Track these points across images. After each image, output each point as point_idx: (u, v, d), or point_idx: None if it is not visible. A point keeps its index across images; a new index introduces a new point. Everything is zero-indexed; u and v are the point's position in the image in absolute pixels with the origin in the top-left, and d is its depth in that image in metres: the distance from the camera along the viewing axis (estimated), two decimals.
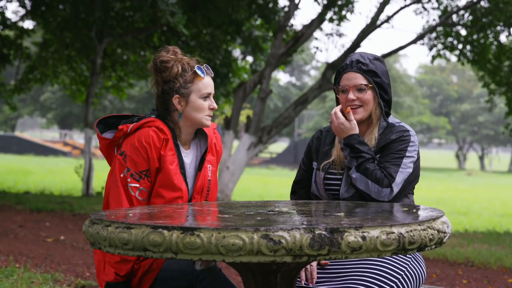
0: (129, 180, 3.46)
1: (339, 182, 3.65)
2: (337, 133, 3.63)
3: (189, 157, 3.63)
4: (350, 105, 3.64)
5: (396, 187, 3.52)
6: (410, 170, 3.58)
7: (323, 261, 3.50)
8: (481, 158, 61.00)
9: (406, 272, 3.42)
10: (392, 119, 3.74)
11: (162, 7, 12.37)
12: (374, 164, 3.54)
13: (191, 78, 3.56)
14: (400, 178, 3.54)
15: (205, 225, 2.50)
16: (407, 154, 3.59)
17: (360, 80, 3.62)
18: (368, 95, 3.63)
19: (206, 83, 3.59)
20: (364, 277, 3.33)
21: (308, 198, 3.82)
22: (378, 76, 3.63)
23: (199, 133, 3.71)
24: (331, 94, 48.58)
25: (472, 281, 7.54)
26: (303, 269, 3.48)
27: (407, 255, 3.48)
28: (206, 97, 3.59)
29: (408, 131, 3.65)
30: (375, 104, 3.66)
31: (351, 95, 3.63)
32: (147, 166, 3.48)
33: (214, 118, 38.95)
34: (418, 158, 3.67)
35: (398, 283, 3.35)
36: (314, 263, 3.49)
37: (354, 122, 3.60)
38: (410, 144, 3.61)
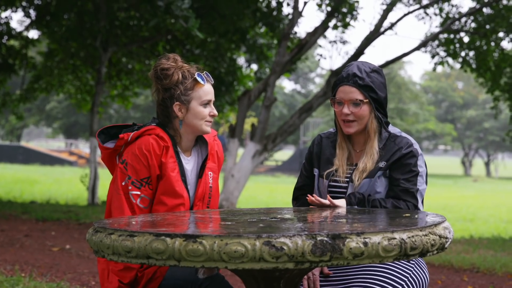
0: (130, 188, 3.48)
1: (344, 191, 3.64)
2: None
3: (190, 164, 3.65)
4: (345, 119, 3.63)
5: (421, 207, 3.60)
6: (425, 185, 3.62)
7: (326, 271, 3.50)
8: (487, 164, 60.90)
9: (410, 278, 3.41)
10: (392, 129, 3.73)
11: (176, 12, 12.41)
12: (381, 199, 3.55)
13: (191, 85, 3.57)
14: (420, 196, 3.59)
15: (207, 233, 2.51)
16: (420, 169, 3.59)
17: (356, 95, 3.58)
18: (363, 110, 3.60)
19: (207, 90, 3.60)
20: (367, 285, 3.32)
21: (310, 205, 3.80)
22: (374, 91, 3.59)
23: (200, 140, 3.72)
24: None
25: (477, 287, 7.53)
26: (306, 278, 3.48)
27: (410, 262, 3.48)
28: (206, 104, 3.60)
29: (413, 144, 3.64)
30: (371, 117, 3.63)
31: (346, 110, 3.60)
32: (148, 173, 3.49)
33: (219, 126, 38.99)
34: (427, 169, 3.69)
35: None
36: (317, 273, 3.49)
37: (334, 202, 3.53)
38: (419, 158, 3.61)
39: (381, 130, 3.66)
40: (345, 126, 3.65)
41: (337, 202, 3.50)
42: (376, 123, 3.65)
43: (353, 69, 3.62)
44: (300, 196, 3.86)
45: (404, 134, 3.68)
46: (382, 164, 3.59)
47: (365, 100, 3.59)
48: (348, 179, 3.64)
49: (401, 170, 3.57)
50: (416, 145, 3.64)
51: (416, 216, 3.05)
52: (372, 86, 3.59)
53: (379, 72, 3.67)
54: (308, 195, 3.55)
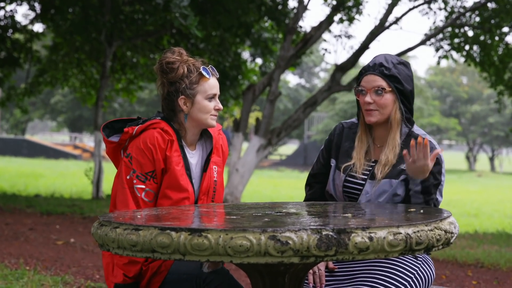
0: (135, 181, 3.48)
1: (360, 187, 3.58)
2: (420, 172, 3.40)
3: (194, 158, 3.65)
4: (367, 108, 3.56)
5: None
6: (441, 198, 3.54)
7: (331, 266, 3.49)
8: (492, 159, 60.81)
9: (416, 275, 3.39)
10: (417, 129, 3.63)
11: (174, 10, 12.39)
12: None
13: (196, 79, 3.57)
14: (439, 205, 3.53)
15: (212, 227, 2.51)
16: (442, 178, 3.51)
17: (379, 82, 3.53)
18: (386, 99, 3.53)
19: (212, 84, 3.60)
20: (373, 280, 3.31)
21: (322, 195, 3.75)
22: (400, 82, 3.53)
23: (205, 134, 3.72)
24: (340, 96, 48.55)
25: (481, 283, 7.52)
26: (312, 273, 3.47)
27: (418, 258, 3.46)
28: (211, 98, 3.60)
29: (437, 148, 3.50)
30: (395, 108, 3.55)
31: (368, 98, 3.54)
32: (153, 167, 3.49)
33: (223, 120, 38.98)
34: None
35: (408, 285, 3.33)
36: (323, 268, 3.47)
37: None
38: (442, 165, 3.52)
39: (402, 123, 3.58)
40: (367, 115, 3.57)
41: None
42: (400, 115, 3.56)
43: (379, 59, 3.58)
44: (313, 184, 3.78)
45: (429, 137, 3.57)
46: (404, 166, 3.48)
47: (388, 89, 3.53)
48: (366, 176, 3.58)
49: (426, 177, 3.46)
50: (440, 151, 3.52)
51: (422, 211, 3.05)
52: (398, 77, 3.53)
53: (407, 65, 3.61)
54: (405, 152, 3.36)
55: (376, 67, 3.55)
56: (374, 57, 3.63)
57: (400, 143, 3.56)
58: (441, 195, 3.54)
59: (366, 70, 3.59)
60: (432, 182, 3.46)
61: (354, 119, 3.77)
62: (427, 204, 3.46)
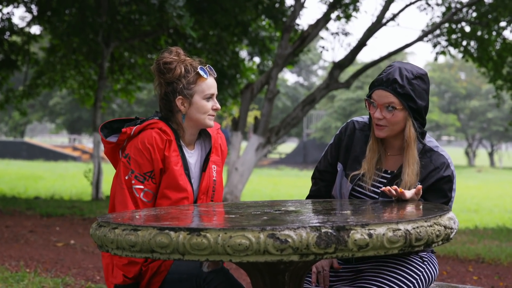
0: (133, 182, 3.47)
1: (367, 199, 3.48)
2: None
3: (193, 157, 3.64)
4: (377, 123, 3.42)
5: None
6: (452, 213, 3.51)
7: (336, 265, 3.48)
8: (491, 154, 60.81)
9: (421, 276, 3.37)
10: (429, 141, 3.50)
11: (169, 10, 12.38)
12: None
13: (194, 79, 3.56)
14: None
15: (211, 226, 2.51)
16: (453, 194, 3.44)
17: (391, 99, 3.36)
18: (396, 116, 3.38)
19: (209, 83, 3.59)
20: (379, 280, 3.29)
21: (326, 194, 3.67)
22: (413, 100, 3.36)
23: (203, 134, 3.72)
24: (339, 94, 48.54)
25: (482, 278, 7.52)
26: (316, 273, 3.46)
27: (424, 258, 3.43)
28: (209, 97, 3.59)
29: (450, 165, 3.44)
30: (408, 125, 3.40)
31: (378, 114, 3.40)
32: (151, 167, 3.49)
33: (222, 119, 38.98)
34: None
35: (412, 287, 3.32)
36: (327, 268, 3.45)
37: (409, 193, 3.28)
38: (454, 182, 3.44)
39: (417, 141, 3.44)
40: (376, 129, 3.43)
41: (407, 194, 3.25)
42: (414, 131, 3.41)
43: (394, 74, 3.38)
44: (318, 180, 3.68)
45: (440, 150, 3.47)
46: (418, 184, 3.39)
47: (399, 107, 3.37)
48: (377, 189, 3.47)
49: (435, 195, 3.40)
50: (452, 165, 3.45)
51: (421, 207, 3.04)
52: (412, 95, 3.36)
53: (423, 78, 3.42)
54: (383, 188, 3.27)
55: (389, 83, 3.37)
56: (389, 68, 3.44)
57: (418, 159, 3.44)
58: (450, 209, 3.48)
59: (379, 83, 3.42)
60: (442, 200, 3.41)
61: (366, 119, 3.63)
62: None
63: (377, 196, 3.47)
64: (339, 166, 3.58)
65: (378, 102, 3.40)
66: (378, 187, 3.48)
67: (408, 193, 3.22)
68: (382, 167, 3.52)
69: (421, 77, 3.40)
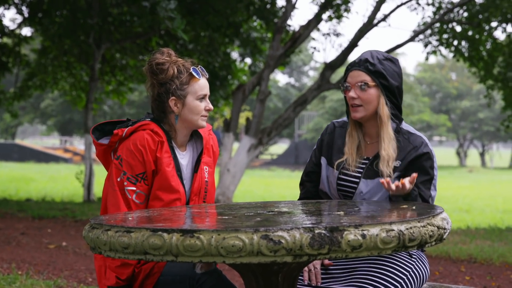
0: (125, 183, 3.47)
1: (354, 185, 3.58)
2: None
3: (185, 159, 3.64)
4: (352, 103, 3.56)
5: None
6: (435, 192, 3.54)
7: (326, 262, 3.49)
8: (482, 154, 60.96)
9: (411, 272, 3.39)
10: (406, 125, 3.62)
11: (161, 13, 12.37)
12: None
13: (187, 79, 3.56)
14: (432, 202, 3.51)
15: (204, 227, 2.50)
16: (435, 172, 3.52)
17: (363, 77, 3.53)
18: (369, 94, 3.53)
19: (202, 84, 3.59)
20: (368, 277, 3.31)
21: (316, 194, 3.75)
22: (385, 78, 3.52)
23: (195, 135, 3.71)
24: (330, 95, 48.57)
25: (475, 278, 7.53)
26: (307, 271, 3.47)
27: (412, 256, 3.46)
28: (202, 98, 3.59)
29: (428, 144, 3.54)
30: (381, 103, 3.53)
31: (352, 93, 3.55)
32: (143, 169, 3.48)
33: (213, 120, 38.95)
34: None
35: (402, 283, 3.33)
36: (318, 266, 3.47)
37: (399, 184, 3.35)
38: (434, 160, 3.53)
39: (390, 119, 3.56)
40: (352, 112, 3.58)
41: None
42: (388, 110, 3.55)
43: (365, 55, 3.58)
44: (306, 183, 3.78)
45: (418, 133, 3.59)
46: (397, 164, 3.50)
47: (371, 84, 3.53)
48: (359, 174, 3.57)
49: (417, 171, 3.45)
50: (430, 146, 3.56)
51: (414, 207, 3.04)
52: (383, 73, 3.52)
53: (394, 61, 3.60)
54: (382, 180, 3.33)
55: (361, 63, 3.55)
56: (361, 54, 3.63)
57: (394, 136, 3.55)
58: (435, 189, 3.53)
59: (352, 66, 3.59)
60: (425, 178, 3.47)
61: (345, 118, 3.76)
62: (422, 198, 3.45)
63: (358, 180, 3.56)
64: (323, 160, 3.70)
65: (352, 83, 3.57)
66: (360, 172, 3.58)
67: (408, 184, 3.30)
68: (363, 154, 3.63)
69: (392, 59, 3.60)
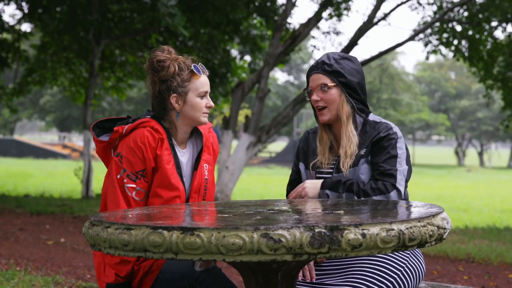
0: (125, 180, 3.47)
1: None
2: (312, 195, 3.60)
3: (185, 156, 3.64)
4: (317, 106, 3.66)
5: (401, 185, 3.52)
6: (406, 167, 3.59)
7: (319, 259, 3.50)
8: (480, 154, 61.01)
9: (406, 268, 3.41)
10: (373, 116, 3.71)
11: (162, 9, 12.36)
12: (359, 181, 3.53)
13: (188, 77, 3.56)
14: (400, 175, 3.53)
15: (205, 225, 2.50)
16: (399, 151, 3.57)
17: (322, 79, 3.63)
18: (331, 94, 3.63)
19: (203, 81, 3.60)
20: (362, 273, 3.32)
21: None
22: (343, 76, 3.61)
23: (195, 132, 3.72)
24: None
25: (473, 277, 7.54)
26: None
27: (406, 253, 3.48)
28: (203, 95, 3.60)
29: (392, 128, 3.63)
30: (341, 101, 3.63)
31: (315, 96, 3.66)
32: (143, 166, 3.48)
33: (212, 118, 38.95)
34: (408, 152, 3.68)
35: (397, 278, 3.35)
36: (312, 262, 3.48)
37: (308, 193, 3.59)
38: (398, 140, 3.60)
39: (355, 115, 3.66)
40: (319, 115, 3.69)
41: (309, 188, 3.56)
42: (349, 108, 3.64)
43: (322, 58, 3.68)
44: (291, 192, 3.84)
45: (384, 120, 3.68)
46: (363, 152, 3.59)
47: (330, 84, 3.62)
48: (332, 169, 3.66)
49: (379, 154, 3.57)
50: (395, 129, 3.64)
51: (414, 207, 3.04)
52: (341, 71, 3.61)
53: (351, 59, 3.69)
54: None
55: (319, 66, 3.66)
56: (319, 57, 3.73)
57: (358, 133, 3.64)
58: (407, 164, 3.60)
59: (311, 70, 3.70)
60: (386, 156, 3.55)
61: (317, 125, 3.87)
62: (383, 174, 3.52)
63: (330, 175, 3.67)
64: (301, 166, 3.81)
65: (313, 87, 3.68)
66: (332, 168, 3.67)
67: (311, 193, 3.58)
68: (337, 153, 3.72)
69: (349, 58, 3.69)
